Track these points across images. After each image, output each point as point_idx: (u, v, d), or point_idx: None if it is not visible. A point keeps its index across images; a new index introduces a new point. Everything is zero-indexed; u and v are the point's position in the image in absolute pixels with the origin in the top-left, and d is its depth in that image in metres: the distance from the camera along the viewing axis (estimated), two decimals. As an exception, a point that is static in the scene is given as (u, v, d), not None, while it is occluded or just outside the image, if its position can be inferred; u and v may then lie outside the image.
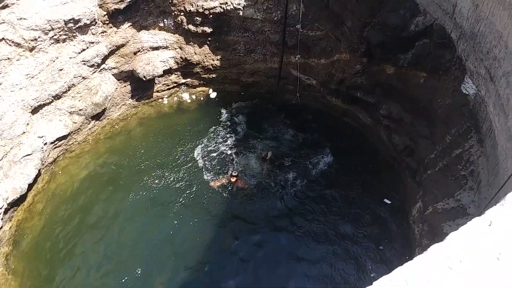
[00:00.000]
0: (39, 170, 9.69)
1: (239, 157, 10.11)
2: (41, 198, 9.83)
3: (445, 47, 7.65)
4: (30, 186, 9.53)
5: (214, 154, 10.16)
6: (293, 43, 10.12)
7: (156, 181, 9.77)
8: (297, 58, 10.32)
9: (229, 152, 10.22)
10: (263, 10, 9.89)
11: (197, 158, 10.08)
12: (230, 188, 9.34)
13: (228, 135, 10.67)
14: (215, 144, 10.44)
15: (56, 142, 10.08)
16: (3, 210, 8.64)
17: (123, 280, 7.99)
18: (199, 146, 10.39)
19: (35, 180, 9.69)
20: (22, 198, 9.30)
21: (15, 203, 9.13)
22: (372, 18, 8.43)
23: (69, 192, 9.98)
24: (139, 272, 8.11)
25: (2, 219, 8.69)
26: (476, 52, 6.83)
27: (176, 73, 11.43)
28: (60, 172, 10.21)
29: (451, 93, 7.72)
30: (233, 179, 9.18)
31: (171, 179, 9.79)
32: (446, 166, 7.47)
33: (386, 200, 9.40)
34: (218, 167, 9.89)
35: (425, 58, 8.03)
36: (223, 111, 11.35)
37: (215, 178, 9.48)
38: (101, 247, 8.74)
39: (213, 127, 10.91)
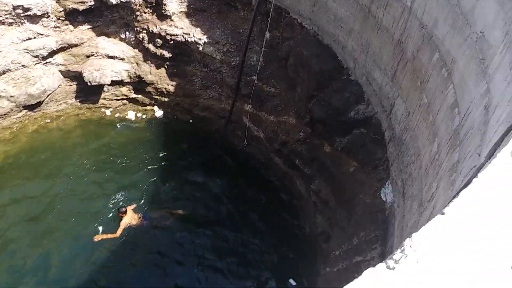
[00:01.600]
0: None
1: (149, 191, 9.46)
2: None
3: (379, 144, 7.14)
4: None
5: (127, 180, 9.54)
6: (247, 92, 9.65)
7: (61, 190, 9.16)
8: (248, 108, 9.83)
9: (144, 182, 9.60)
10: (223, 52, 9.48)
11: (110, 181, 9.49)
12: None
13: (156, 164, 10.07)
14: (136, 170, 9.86)
15: (-25, 122, 9.46)
16: None
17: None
18: (120, 165, 9.81)
19: None
20: None
21: None
22: (319, 91, 7.96)
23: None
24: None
25: None
26: (399, 160, 6.32)
27: (128, 86, 10.93)
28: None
29: (372, 193, 7.15)
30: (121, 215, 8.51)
31: (78, 191, 9.20)
32: (344, 270, 6.82)
33: (291, 281, 8.68)
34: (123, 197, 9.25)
35: (359, 148, 7.50)
36: (163, 137, 10.79)
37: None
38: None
39: (146, 153, 10.34)
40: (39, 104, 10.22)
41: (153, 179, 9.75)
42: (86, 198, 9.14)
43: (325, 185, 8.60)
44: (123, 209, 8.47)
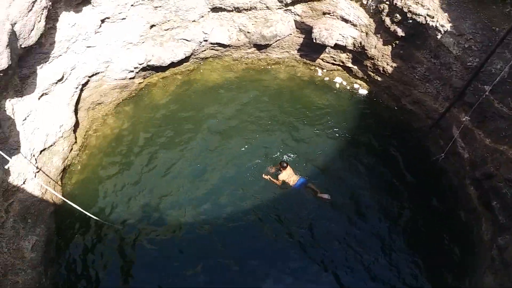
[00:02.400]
0: (188, 57, 10.99)
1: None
2: (177, 78, 11.28)
3: None
4: (174, 65, 10.97)
5: (302, 137, 9.91)
6: (471, 101, 8.20)
7: (256, 135, 10.10)
8: (464, 119, 8.43)
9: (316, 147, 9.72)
10: (463, 48, 8.12)
11: (291, 133, 10.03)
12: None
13: (340, 136, 9.99)
14: (317, 133, 10.08)
15: (215, 45, 11.11)
16: (142, 66, 10.29)
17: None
18: (307, 122, 10.27)
19: (181, 63, 11.07)
20: (161, 68, 10.85)
21: (154, 69, 10.75)
22: None
23: (200, 88, 11.17)
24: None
25: (137, 72, 10.41)
26: None
27: (348, 54, 10.78)
28: (201, 70, 11.41)
29: None
30: (281, 170, 8.83)
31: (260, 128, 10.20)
32: None
33: None
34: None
35: None
36: (360, 115, 10.44)
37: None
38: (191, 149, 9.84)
39: (336, 122, 10.29)
40: (266, 46, 11.16)
41: (327, 149, 9.74)
42: (262, 133, 10.08)
43: (517, 248, 6.86)
44: (285, 164, 8.78)
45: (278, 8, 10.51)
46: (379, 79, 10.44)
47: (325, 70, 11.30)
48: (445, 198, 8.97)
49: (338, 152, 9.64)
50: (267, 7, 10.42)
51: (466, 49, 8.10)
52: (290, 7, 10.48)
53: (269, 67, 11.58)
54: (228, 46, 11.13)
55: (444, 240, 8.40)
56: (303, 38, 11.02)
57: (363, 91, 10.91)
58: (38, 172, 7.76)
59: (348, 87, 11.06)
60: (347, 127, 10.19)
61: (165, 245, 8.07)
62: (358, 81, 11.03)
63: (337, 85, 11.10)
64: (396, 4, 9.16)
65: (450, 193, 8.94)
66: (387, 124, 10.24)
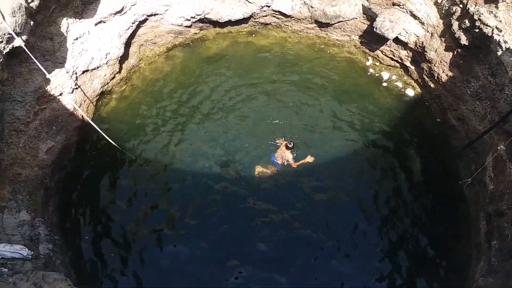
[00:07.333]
0: (246, 19, 11.64)
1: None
2: (233, 36, 12.08)
3: None
4: (231, 23, 11.69)
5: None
6: (511, 130, 7.86)
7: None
8: (500, 148, 8.10)
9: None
10: (523, 71, 7.72)
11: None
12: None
13: (371, 135, 10.12)
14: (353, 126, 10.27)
15: (276, 13, 11.62)
16: (199, 17, 11.19)
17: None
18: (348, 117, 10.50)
19: (239, 23, 11.75)
20: (218, 24, 11.70)
21: (211, 23, 11.63)
22: None
23: (253, 50, 11.87)
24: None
25: (194, 22, 11.31)
26: None
27: (408, 51, 10.60)
28: (258, 34, 12.06)
29: None
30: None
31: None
32: None
33: None
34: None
35: None
36: (401, 114, 10.41)
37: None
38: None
39: (378, 118, 10.39)
40: (328, 25, 11.35)
41: (350, 141, 9.95)
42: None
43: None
44: (291, 144, 9.45)
45: (349, -10, 10.60)
46: (432, 86, 10.20)
47: (380, 64, 11.25)
48: (458, 226, 8.80)
49: (359, 147, 9.84)
50: (338, -14, 10.57)
51: (525, 73, 7.71)
52: (361, -9, 10.53)
53: (325, 46, 11.78)
54: (290, 16, 11.50)
55: (440, 269, 8.34)
56: (368, 25, 11.02)
57: (410, 92, 10.77)
58: (76, 89, 9.09)
59: (397, 85, 10.97)
60: (384, 123, 10.25)
61: (174, 182, 9.16)
62: (412, 82, 10.86)
63: (387, 80, 11.06)
64: (469, 8, 8.83)
65: (465, 223, 8.74)
66: (423, 133, 10.15)
